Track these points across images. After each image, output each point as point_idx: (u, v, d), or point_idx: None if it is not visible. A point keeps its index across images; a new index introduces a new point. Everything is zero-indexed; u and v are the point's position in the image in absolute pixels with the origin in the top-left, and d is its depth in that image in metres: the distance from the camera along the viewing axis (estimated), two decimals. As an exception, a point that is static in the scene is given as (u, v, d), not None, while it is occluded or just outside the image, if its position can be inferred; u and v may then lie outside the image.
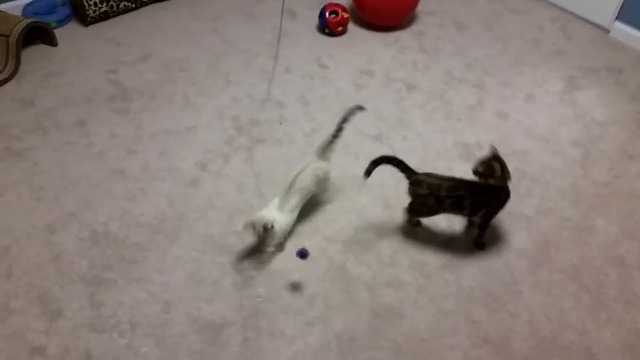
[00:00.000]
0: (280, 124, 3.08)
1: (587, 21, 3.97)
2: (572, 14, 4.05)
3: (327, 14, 3.74)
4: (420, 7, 4.04)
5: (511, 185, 2.71)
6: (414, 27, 3.90)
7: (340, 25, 3.78)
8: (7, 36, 3.33)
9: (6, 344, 2.09)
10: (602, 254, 2.46)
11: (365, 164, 2.27)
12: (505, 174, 2.32)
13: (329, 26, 3.76)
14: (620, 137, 3.02)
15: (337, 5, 3.76)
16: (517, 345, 2.13)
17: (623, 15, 3.74)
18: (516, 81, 3.40)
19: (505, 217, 2.56)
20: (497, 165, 2.31)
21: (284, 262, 2.39)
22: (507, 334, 2.16)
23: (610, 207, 2.65)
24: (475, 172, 2.36)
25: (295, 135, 3.01)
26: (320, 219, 2.56)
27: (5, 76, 3.33)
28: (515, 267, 2.39)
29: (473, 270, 2.38)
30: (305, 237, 2.48)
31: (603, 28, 3.87)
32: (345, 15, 3.77)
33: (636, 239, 2.52)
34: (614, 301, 2.28)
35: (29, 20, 3.44)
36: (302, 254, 2.23)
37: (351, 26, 3.91)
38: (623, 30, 3.76)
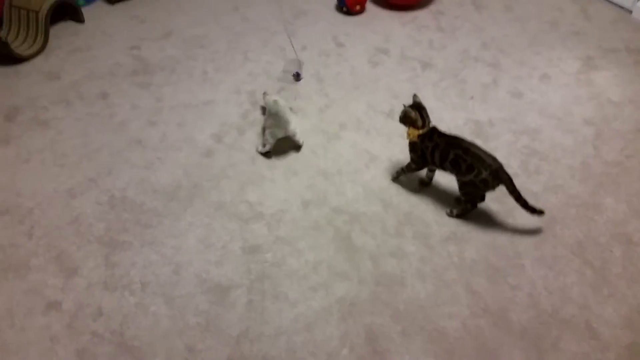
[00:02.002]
0: (295, 99, 3.14)
1: (609, 2, 3.92)
2: (595, -5, 4.00)
3: (345, -7, 3.78)
4: (440, -13, 4.04)
5: (520, 163, 2.72)
6: (432, 7, 3.90)
7: (358, 4, 3.81)
8: (37, 12, 3.47)
9: (25, 298, 2.22)
10: (608, 231, 2.46)
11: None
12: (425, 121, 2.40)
13: (347, 5, 3.79)
14: (635, 117, 2.99)
15: (356, -16, 3.79)
16: (516, 317, 2.16)
17: (647, -5, 3.67)
18: (532, 61, 3.39)
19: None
20: (415, 114, 2.38)
21: (291, 230, 2.46)
22: (507, 305, 2.20)
23: (620, 186, 2.64)
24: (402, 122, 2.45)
25: (308, 110, 3.07)
26: (329, 191, 2.63)
27: (34, 50, 3.47)
28: (520, 242, 2.42)
29: (476, 244, 2.41)
30: (313, 206, 2.55)
31: (625, 9, 3.80)
32: (364, -6, 3.80)
33: (644, 217, 2.52)
34: (617, 277, 2.29)
35: (57, -3, 3.57)
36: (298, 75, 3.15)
37: (369, 5, 3.94)
38: (646, 11, 3.70)
